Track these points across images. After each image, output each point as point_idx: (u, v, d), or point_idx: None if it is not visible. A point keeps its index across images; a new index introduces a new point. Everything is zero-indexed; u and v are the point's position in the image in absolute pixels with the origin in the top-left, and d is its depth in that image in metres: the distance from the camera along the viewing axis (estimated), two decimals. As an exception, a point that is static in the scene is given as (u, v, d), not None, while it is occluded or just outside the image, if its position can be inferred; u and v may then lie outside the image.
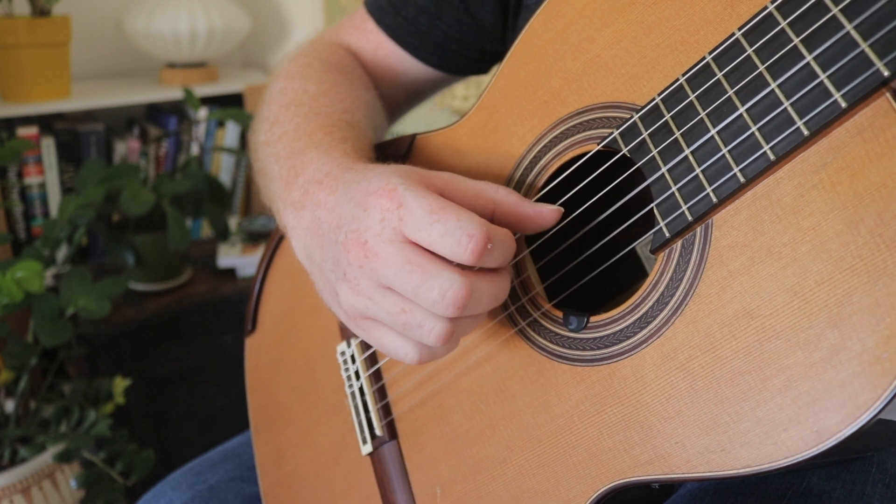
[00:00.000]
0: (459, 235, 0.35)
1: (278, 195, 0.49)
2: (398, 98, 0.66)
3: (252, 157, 0.57)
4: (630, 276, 0.49)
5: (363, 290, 0.38)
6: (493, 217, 0.40)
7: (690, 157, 0.35)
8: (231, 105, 1.58)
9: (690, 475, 0.35)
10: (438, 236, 0.35)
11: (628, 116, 0.39)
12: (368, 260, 0.37)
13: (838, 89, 0.30)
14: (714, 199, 0.34)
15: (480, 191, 0.39)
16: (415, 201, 0.36)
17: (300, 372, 0.60)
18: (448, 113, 1.40)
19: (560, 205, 0.44)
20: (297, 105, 0.53)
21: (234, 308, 1.40)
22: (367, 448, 0.51)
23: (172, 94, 1.53)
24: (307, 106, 0.53)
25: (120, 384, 1.19)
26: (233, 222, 1.59)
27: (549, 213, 0.39)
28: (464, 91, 1.36)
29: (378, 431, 0.51)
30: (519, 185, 0.45)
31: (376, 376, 0.52)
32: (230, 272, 1.47)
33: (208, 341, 1.40)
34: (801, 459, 0.31)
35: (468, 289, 0.36)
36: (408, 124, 0.74)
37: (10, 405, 1.16)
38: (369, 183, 0.38)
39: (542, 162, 0.44)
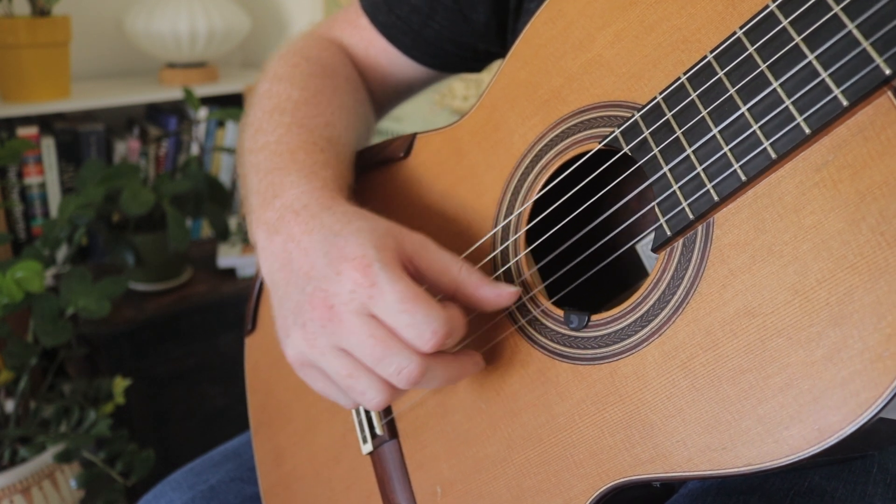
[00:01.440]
0: (423, 330, 0.38)
1: (254, 209, 0.50)
2: (388, 94, 0.66)
3: (237, 161, 0.57)
4: (631, 274, 0.49)
5: (318, 346, 0.41)
6: (454, 296, 0.42)
7: (692, 156, 0.35)
8: (231, 105, 1.57)
9: (692, 474, 0.35)
10: (404, 325, 0.38)
11: (630, 115, 0.39)
12: (332, 324, 0.40)
13: (839, 87, 0.30)
14: (715, 198, 0.34)
15: (445, 268, 0.41)
16: (388, 285, 0.38)
17: (300, 371, 0.60)
18: (448, 113, 1.40)
19: (561, 203, 0.44)
20: (280, 113, 0.53)
21: (234, 308, 1.40)
22: (368, 447, 0.51)
23: (172, 94, 1.53)
24: (290, 115, 0.53)
25: (120, 384, 1.18)
26: (233, 222, 1.59)
27: (506, 296, 0.42)
28: (464, 91, 1.36)
29: (378, 430, 0.51)
30: (520, 184, 0.45)
31: (377, 375, 0.52)
32: (230, 272, 1.47)
33: (208, 341, 1.40)
34: (802, 457, 0.31)
35: (423, 369, 0.39)
36: (406, 124, 0.74)
37: (10, 405, 1.16)
38: (346, 244, 0.40)
39: (544, 161, 0.44)
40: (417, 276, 0.41)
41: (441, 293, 0.42)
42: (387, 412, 0.51)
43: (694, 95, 0.35)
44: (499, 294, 0.41)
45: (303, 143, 0.51)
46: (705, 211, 0.35)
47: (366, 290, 0.38)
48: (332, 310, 0.39)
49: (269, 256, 0.46)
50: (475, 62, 0.64)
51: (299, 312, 0.42)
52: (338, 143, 0.53)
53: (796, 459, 0.31)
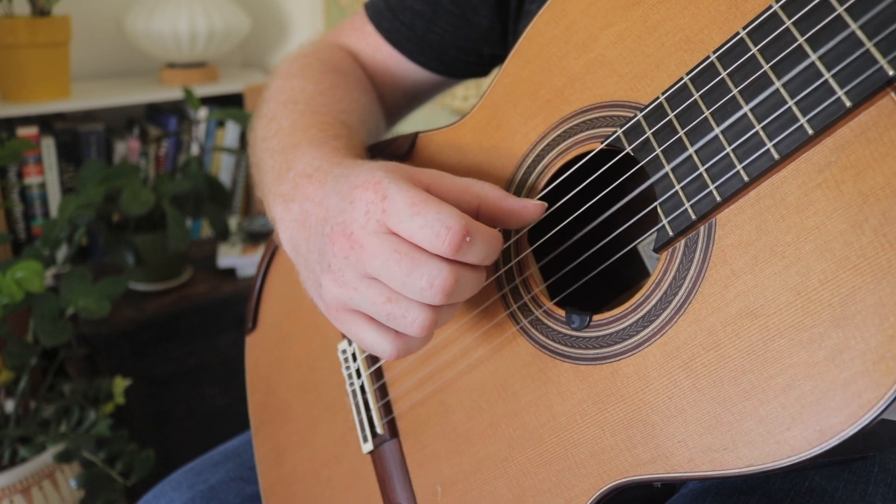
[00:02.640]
0: (438, 227, 0.36)
1: (269, 188, 0.50)
2: (397, 100, 0.67)
3: (250, 152, 0.58)
4: (633, 274, 0.49)
5: (347, 281, 0.39)
6: (478, 212, 0.40)
7: (694, 156, 0.35)
8: (231, 105, 1.57)
9: (693, 474, 0.35)
10: (418, 228, 0.36)
11: (632, 115, 0.39)
12: (354, 251, 0.38)
13: (843, 88, 0.30)
14: (718, 198, 0.34)
15: (466, 186, 0.40)
16: (398, 193, 0.37)
17: (301, 370, 0.60)
18: (448, 113, 1.40)
19: (563, 203, 0.44)
20: (294, 103, 0.54)
21: (234, 308, 1.40)
22: (368, 446, 0.51)
23: (172, 94, 1.53)
24: (304, 104, 0.53)
25: (120, 384, 1.18)
26: (233, 222, 1.59)
27: (532, 208, 0.40)
28: (464, 91, 1.36)
29: (379, 430, 0.51)
30: (521, 183, 0.45)
31: (377, 374, 0.52)
32: (230, 272, 1.47)
33: (208, 341, 1.40)
34: (804, 459, 0.31)
35: (455, 276, 0.37)
36: (408, 124, 0.74)
37: (10, 405, 1.16)
38: (357, 176, 0.39)
39: (546, 160, 0.44)
40: None
41: (465, 212, 0.40)
42: (387, 411, 0.51)
43: (697, 96, 0.35)
44: (524, 206, 0.40)
45: (316, 122, 0.51)
46: (708, 211, 0.34)
47: (378, 204, 0.37)
48: (352, 237, 0.38)
49: (289, 224, 0.46)
50: (480, 66, 0.64)
51: (323, 256, 0.41)
52: (351, 127, 0.53)
53: (798, 460, 0.31)
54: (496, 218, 0.40)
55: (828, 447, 0.30)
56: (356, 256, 0.38)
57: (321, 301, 0.44)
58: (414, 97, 0.68)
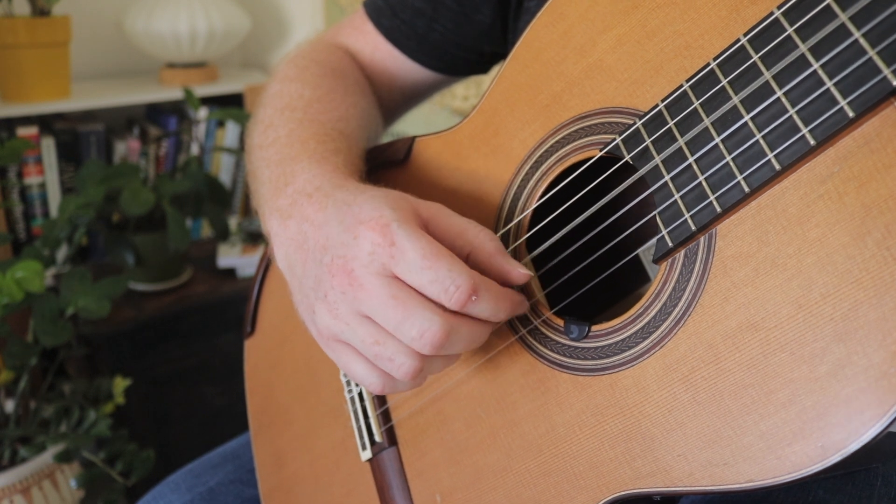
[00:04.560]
0: (447, 285, 0.36)
1: (265, 200, 0.49)
2: (395, 99, 0.66)
3: (246, 158, 0.57)
4: (632, 281, 0.48)
5: (341, 315, 0.39)
6: (467, 259, 0.40)
7: (694, 166, 0.35)
8: (231, 105, 1.57)
9: (693, 488, 0.34)
10: (427, 282, 0.36)
11: (631, 122, 0.38)
12: (352, 288, 0.38)
13: (846, 98, 0.29)
14: (718, 209, 0.33)
15: (461, 231, 0.40)
16: (408, 243, 0.37)
17: (300, 374, 0.60)
18: (448, 113, 1.39)
19: (561, 211, 0.43)
20: (291, 110, 0.53)
21: (234, 308, 1.40)
22: (367, 454, 0.51)
23: (172, 94, 1.53)
24: (301, 111, 0.53)
25: (120, 384, 1.18)
26: (233, 222, 1.59)
27: (516, 275, 0.40)
28: (464, 91, 1.35)
29: (377, 437, 0.50)
30: (519, 190, 0.44)
31: (375, 382, 0.52)
32: (230, 272, 1.47)
33: (208, 341, 1.40)
34: (805, 475, 0.30)
35: (446, 330, 0.37)
36: (407, 125, 0.73)
37: (10, 405, 1.16)
38: (360, 209, 0.39)
39: (544, 167, 0.43)
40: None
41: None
42: (386, 419, 0.51)
43: (697, 104, 0.35)
44: (508, 271, 0.40)
45: (314, 134, 0.50)
46: (708, 222, 0.34)
47: (385, 249, 0.37)
48: (352, 274, 0.38)
49: (284, 242, 0.46)
50: (482, 64, 0.64)
51: (319, 285, 0.41)
52: (350, 137, 0.52)
53: (799, 477, 0.31)
54: (482, 271, 0.40)
55: (830, 464, 0.30)
56: (353, 294, 0.38)
57: (313, 326, 0.44)
58: (412, 96, 0.67)
